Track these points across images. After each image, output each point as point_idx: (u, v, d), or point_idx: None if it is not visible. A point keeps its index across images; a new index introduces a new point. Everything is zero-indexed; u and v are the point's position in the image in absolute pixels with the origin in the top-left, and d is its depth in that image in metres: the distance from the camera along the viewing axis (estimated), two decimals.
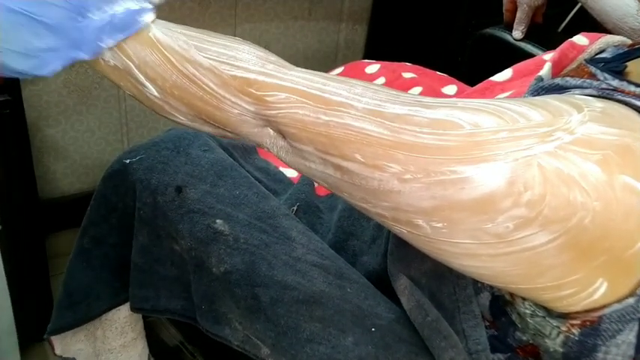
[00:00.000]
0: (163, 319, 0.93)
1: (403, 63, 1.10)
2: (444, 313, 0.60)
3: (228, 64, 0.49)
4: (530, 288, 0.46)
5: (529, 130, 0.43)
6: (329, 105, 0.47)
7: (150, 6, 0.49)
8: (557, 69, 0.70)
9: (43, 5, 0.45)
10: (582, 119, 0.43)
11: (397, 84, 1.02)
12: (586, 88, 0.52)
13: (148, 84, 0.50)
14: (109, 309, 0.84)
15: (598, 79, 0.52)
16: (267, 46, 1.54)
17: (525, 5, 1.00)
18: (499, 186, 0.41)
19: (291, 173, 0.90)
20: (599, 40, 0.71)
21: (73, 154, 1.39)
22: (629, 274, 0.44)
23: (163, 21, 0.51)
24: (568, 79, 0.56)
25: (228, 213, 0.70)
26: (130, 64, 0.49)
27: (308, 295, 0.64)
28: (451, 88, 1.01)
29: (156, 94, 0.51)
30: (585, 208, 0.41)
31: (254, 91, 0.49)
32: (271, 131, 0.50)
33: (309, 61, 1.63)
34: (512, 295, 0.54)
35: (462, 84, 1.03)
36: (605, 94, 0.49)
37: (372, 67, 1.09)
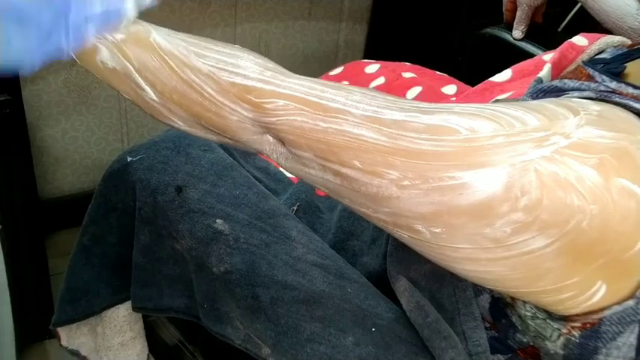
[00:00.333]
0: (163, 319, 0.93)
1: (403, 63, 1.10)
2: (444, 314, 0.60)
3: (227, 70, 0.49)
4: (530, 292, 0.46)
5: (525, 135, 0.43)
6: (327, 112, 0.47)
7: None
8: (557, 70, 0.70)
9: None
10: (579, 123, 0.44)
11: (397, 84, 1.02)
12: (584, 90, 0.52)
13: (147, 88, 0.50)
14: (109, 307, 0.84)
15: (596, 81, 0.52)
16: (267, 46, 1.55)
17: (525, 5, 1.00)
18: (496, 191, 0.42)
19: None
20: (599, 40, 0.71)
21: (73, 153, 1.39)
22: (628, 276, 0.44)
23: (164, 28, 0.52)
24: (566, 81, 0.56)
25: (229, 213, 0.70)
26: (130, 67, 0.50)
27: (308, 295, 0.64)
28: (451, 88, 1.01)
29: (155, 98, 0.51)
30: (582, 211, 0.41)
31: (253, 98, 0.49)
32: (270, 138, 0.51)
33: (309, 60, 1.63)
34: (512, 297, 0.54)
35: (461, 84, 1.03)
36: (602, 97, 0.49)
37: (372, 67, 1.09)
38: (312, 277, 0.66)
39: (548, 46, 0.97)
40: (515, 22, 1.03)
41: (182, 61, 0.49)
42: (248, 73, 0.49)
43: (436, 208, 0.43)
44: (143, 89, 0.50)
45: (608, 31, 0.87)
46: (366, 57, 1.68)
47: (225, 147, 0.83)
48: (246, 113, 0.49)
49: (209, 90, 0.49)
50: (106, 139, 1.42)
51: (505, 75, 0.86)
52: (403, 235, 0.47)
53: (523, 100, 0.61)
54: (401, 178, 0.44)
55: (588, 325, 0.47)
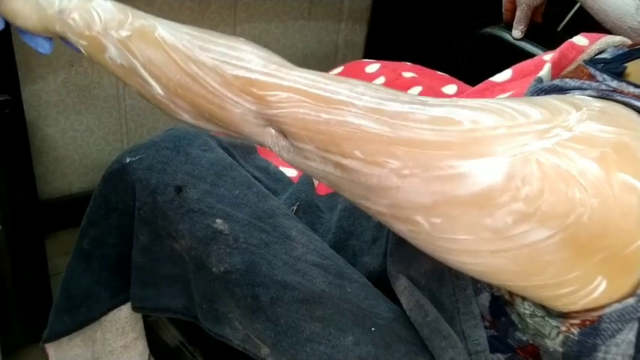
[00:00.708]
0: (164, 319, 0.93)
1: (403, 62, 1.10)
2: (444, 313, 0.60)
3: (230, 64, 0.50)
4: (529, 286, 0.46)
5: (527, 127, 0.43)
6: (330, 104, 0.47)
7: None
8: (557, 70, 0.70)
9: None
10: (581, 117, 0.44)
11: (397, 83, 1.02)
12: (585, 89, 0.52)
13: (153, 82, 0.51)
14: (109, 310, 0.84)
15: (597, 81, 0.52)
16: (267, 46, 1.54)
17: (525, 5, 1.00)
18: (497, 181, 0.42)
19: (291, 173, 0.90)
20: (599, 40, 0.71)
21: (73, 153, 1.39)
22: (628, 272, 0.44)
23: (169, 21, 0.52)
24: (567, 80, 0.56)
25: (228, 212, 0.70)
26: (136, 62, 0.51)
27: (308, 294, 0.64)
28: (451, 88, 1.01)
29: (161, 92, 0.52)
30: (583, 204, 0.41)
31: (256, 91, 0.49)
32: (273, 131, 0.51)
33: (308, 60, 1.63)
34: (511, 295, 0.54)
35: (461, 83, 1.03)
36: (604, 95, 0.49)
37: (372, 67, 1.09)
38: (311, 277, 0.66)
39: (548, 46, 0.97)
40: (514, 22, 1.03)
41: (186, 55, 0.50)
42: (251, 66, 0.50)
43: (436, 197, 0.43)
44: (149, 84, 0.52)
45: (608, 31, 0.87)
46: (366, 57, 1.68)
47: (224, 147, 0.83)
48: (248, 106, 0.50)
49: (212, 83, 0.50)
50: (106, 139, 1.42)
51: (505, 75, 0.86)
52: (402, 229, 0.47)
53: None
54: (401, 167, 0.44)
55: (587, 323, 0.47)
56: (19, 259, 1.06)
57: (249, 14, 1.49)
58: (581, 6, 0.95)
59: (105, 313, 0.84)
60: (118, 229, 0.79)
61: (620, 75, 0.52)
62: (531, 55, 0.93)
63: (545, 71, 0.67)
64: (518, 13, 1.02)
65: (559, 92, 0.56)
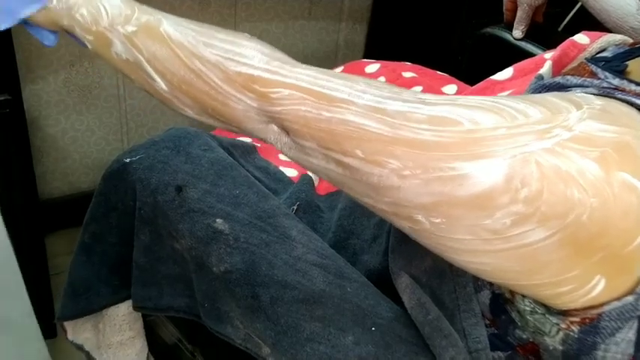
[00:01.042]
0: (163, 318, 0.93)
1: (403, 62, 1.10)
2: (445, 311, 0.60)
3: (233, 60, 0.50)
4: (528, 284, 0.46)
5: (527, 127, 0.43)
6: (331, 102, 0.47)
7: None
8: (558, 67, 0.70)
9: None
10: (581, 116, 0.44)
11: (397, 83, 1.01)
12: (587, 87, 0.52)
13: (157, 78, 0.52)
14: (109, 305, 0.84)
15: (599, 78, 0.52)
16: None
17: (526, 4, 1.00)
18: (497, 182, 0.42)
19: (291, 172, 0.90)
20: (600, 38, 0.71)
21: (73, 153, 1.39)
22: (627, 271, 0.44)
23: (174, 16, 0.53)
24: (569, 77, 0.56)
25: (228, 212, 0.70)
26: (141, 57, 0.51)
27: (308, 294, 0.64)
28: (451, 88, 1.01)
29: (165, 87, 0.52)
30: (583, 204, 0.41)
31: (258, 88, 0.49)
32: (275, 128, 0.51)
33: (308, 60, 1.62)
34: (511, 292, 0.54)
35: (462, 83, 1.03)
36: (605, 93, 0.49)
37: (372, 67, 1.09)
38: (311, 277, 0.66)
39: (549, 46, 0.96)
40: (515, 22, 1.03)
41: (191, 51, 0.51)
42: (254, 63, 0.50)
43: (436, 198, 0.43)
44: (154, 79, 0.52)
45: (609, 31, 0.87)
46: (366, 57, 1.68)
47: (225, 147, 0.83)
48: (251, 102, 0.50)
49: (215, 79, 0.50)
50: (106, 138, 1.42)
51: (506, 73, 0.86)
52: (404, 226, 0.47)
53: None
54: (401, 168, 0.44)
55: (587, 321, 0.47)
56: (19, 259, 1.06)
57: (250, 14, 1.49)
58: (582, 6, 0.95)
59: (105, 306, 0.84)
60: (118, 228, 0.79)
61: (621, 73, 0.52)
62: (532, 55, 0.93)
63: (545, 69, 0.67)
64: (519, 13, 1.02)
65: (560, 89, 0.56)
